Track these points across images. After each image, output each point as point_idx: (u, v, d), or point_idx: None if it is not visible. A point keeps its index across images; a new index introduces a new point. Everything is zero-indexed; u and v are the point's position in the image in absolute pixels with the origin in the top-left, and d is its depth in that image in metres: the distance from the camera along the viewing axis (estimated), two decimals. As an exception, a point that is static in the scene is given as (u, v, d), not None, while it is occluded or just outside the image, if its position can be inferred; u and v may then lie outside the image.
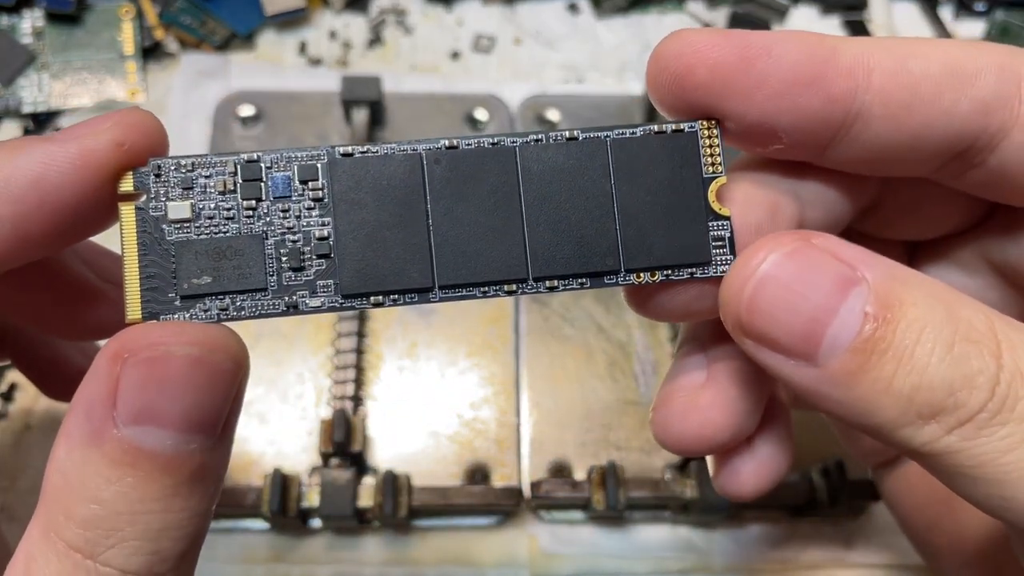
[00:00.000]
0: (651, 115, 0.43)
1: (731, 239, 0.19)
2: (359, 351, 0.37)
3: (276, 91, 0.44)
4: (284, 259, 0.18)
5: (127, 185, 0.18)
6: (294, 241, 0.18)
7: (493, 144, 0.18)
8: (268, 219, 0.18)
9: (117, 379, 0.16)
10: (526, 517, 0.36)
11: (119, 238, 0.18)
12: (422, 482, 0.35)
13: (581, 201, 0.19)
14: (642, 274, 0.19)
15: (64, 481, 0.16)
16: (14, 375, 0.37)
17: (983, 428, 0.16)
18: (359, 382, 0.37)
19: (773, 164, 0.20)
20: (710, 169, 0.19)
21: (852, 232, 0.22)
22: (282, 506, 0.32)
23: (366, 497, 0.33)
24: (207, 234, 0.18)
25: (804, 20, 0.49)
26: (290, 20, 0.46)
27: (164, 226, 0.18)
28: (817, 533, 0.36)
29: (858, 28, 0.48)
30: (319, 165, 0.18)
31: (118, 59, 0.44)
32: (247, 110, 0.43)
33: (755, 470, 0.22)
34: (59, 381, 0.28)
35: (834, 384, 0.17)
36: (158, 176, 0.18)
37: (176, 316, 0.18)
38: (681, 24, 0.48)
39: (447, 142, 0.18)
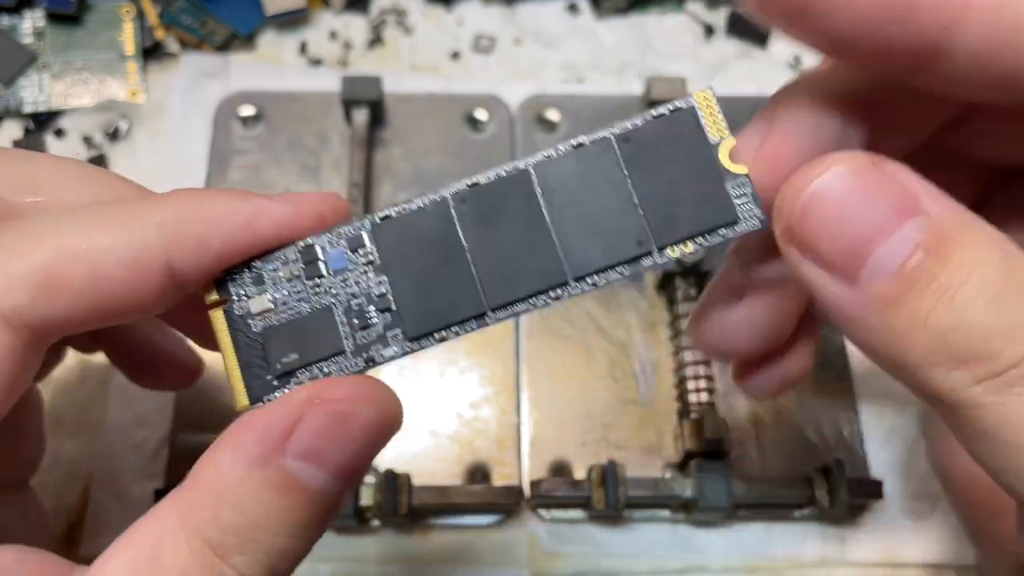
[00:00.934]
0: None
1: (753, 194, 0.20)
2: (359, 351, 0.37)
3: (276, 91, 0.44)
4: (354, 321, 0.20)
5: (212, 295, 0.20)
6: (359, 304, 0.20)
7: (508, 172, 0.20)
8: (333, 291, 0.20)
9: (299, 417, 0.18)
10: (526, 516, 0.36)
11: (216, 340, 0.20)
12: (422, 481, 0.35)
13: (601, 198, 0.20)
14: (675, 247, 0.19)
15: (220, 485, 0.18)
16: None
17: (1014, 386, 0.15)
18: (359, 381, 0.37)
19: (841, 81, 0.20)
20: (715, 135, 0.20)
21: (927, 151, 0.21)
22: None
23: (366, 496, 0.33)
24: (287, 318, 0.20)
25: (803, 20, 0.49)
26: (290, 20, 0.46)
27: (249, 321, 0.20)
28: (817, 533, 0.36)
29: (857, 28, 0.48)
30: (364, 234, 0.20)
31: (119, 59, 0.44)
32: (247, 110, 0.43)
33: (773, 376, 0.23)
34: (149, 368, 0.30)
35: (869, 308, 0.16)
36: (234, 280, 0.20)
37: (276, 394, 0.20)
38: (680, 25, 0.48)
39: (468, 181, 0.20)
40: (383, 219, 0.20)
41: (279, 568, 0.18)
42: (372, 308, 0.20)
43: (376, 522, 0.35)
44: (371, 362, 0.20)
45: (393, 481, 0.34)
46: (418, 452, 0.36)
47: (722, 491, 0.34)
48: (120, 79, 0.44)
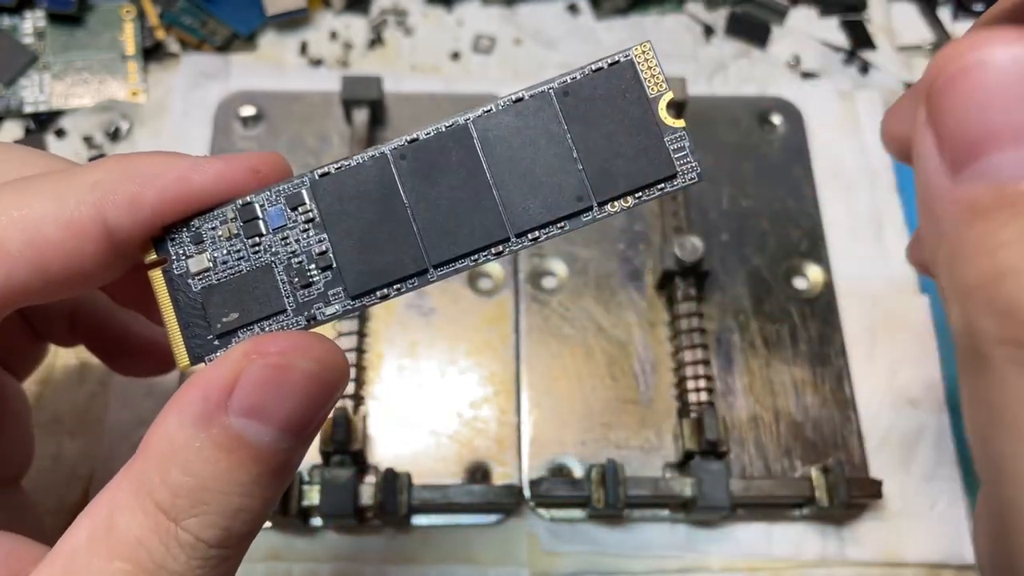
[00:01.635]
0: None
1: (691, 146, 0.20)
2: (359, 350, 0.37)
3: (277, 91, 0.44)
4: (295, 280, 0.20)
5: (151, 255, 0.20)
6: (299, 262, 0.20)
7: (448, 127, 0.20)
8: (273, 249, 0.20)
9: (239, 374, 0.18)
10: (526, 515, 0.36)
11: (156, 300, 0.20)
12: (422, 481, 0.35)
13: (541, 153, 0.20)
14: (615, 203, 0.20)
15: (168, 448, 0.18)
16: (16, 374, 0.37)
17: None
18: (359, 381, 0.37)
19: None
20: (653, 89, 0.20)
21: None
22: (283, 504, 0.33)
23: (366, 496, 0.34)
24: (226, 276, 0.20)
25: (803, 21, 0.49)
26: (291, 21, 0.46)
27: (188, 280, 0.20)
28: (816, 532, 0.36)
29: (857, 29, 0.48)
30: (303, 191, 0.20)
31: (119, 59, 0.44)
32: (248, 110, 0.43)
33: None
34: (127, 356, 0.30)
35: (952, 210, 0.15)
36: (172, 240, 0.20)
37: (217, 354, 0.20)
38: (680, 25, 0.48)
39: (407, 136, 0.20)
40: (322, 176, 0.20)
41: (234, 528, 0.18)
42: (313, 266, 0.20)
43: (376, 522, 0.35)
44: (313, 320, 0.20)
45: (393, 481, 0.34)
46: (418, 451, 0.36)
47: (722, 491, 0.34)
48: (121, 79, 0.44)
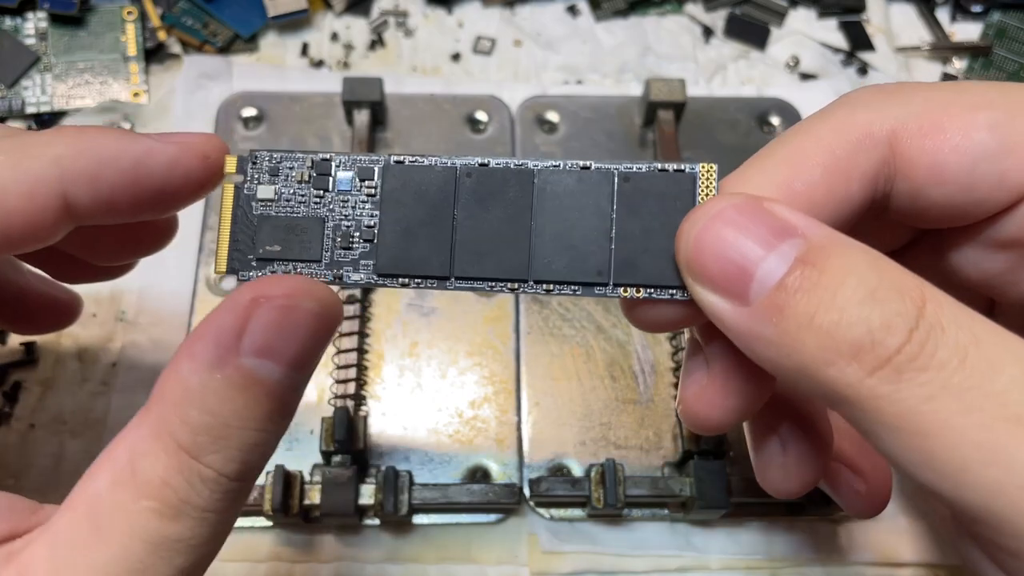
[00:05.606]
0: (650, 117, 0.43)
1: None
2: (360, 350, 0.37)
3: (278, 92, 0.44)
4: (338, 239, 0.22)
5: (231, 167, 0.22)
6: (348, 226, 0.22)
7: (518, 165, 0.22)
8: (331, 207, 0.22)
9: (248, 317, 0.19)
10: (526, 515, 0.36)
11: (219, 208, 0.22)
12: (422, 480, 0.35)
13: (584, 221, 0.21)
14: (628, 289, 0.21)
15: (185, 392, 0.19)
16: (17, 374, 0.37)
17: (902, 372, 0.16)
18: (360, 381, 0.37)
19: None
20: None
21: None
22: (284, 504, 0.33)
23: (367, 495, 0.34)
24: (284, 213, 0.22)
25: (801, 23, 0.49)
26: (292, 22, 0.47)
27: (253, 203, 0.22)
28: (815, 531, 0.36)
29: (855, 30, 0.49)
30: (376, 168, 0.22)
31: (121, 60, 0.44)
32: (249, 111, 0.43)
33: (782, 474, 0.24)
34: (26, 315, 0.31)
35: (761, 321, 0.18)
36: (254, 163, 0.22)
37: (251, 274, 0.22)
38: (679, 26, 0.48)
39: (480, 160, 0.22)
40: (396, 162, 0.22)
41: (250, 462, 0.20)
42: (358, 234, 0.22)
43: (377, 522, 0.35)
44: (339, 279, 0.22)
45: (394, 480, 0.34)
46: (418, 451, 0.36)
47: (721, 490, 0.34)
48: (123, 80, 0.44)
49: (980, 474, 0.16)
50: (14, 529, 0.19)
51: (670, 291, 0.21)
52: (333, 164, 0.22)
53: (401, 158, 0.22)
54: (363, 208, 0.22)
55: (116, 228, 0.27)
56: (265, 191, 0.22)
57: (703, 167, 0.21)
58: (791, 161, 0.21)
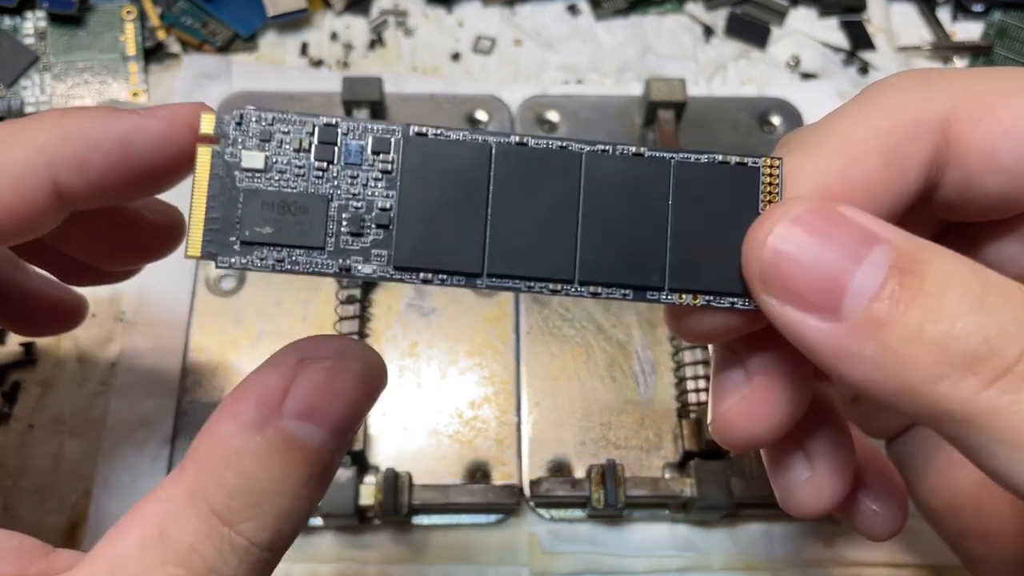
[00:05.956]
0: (650, 117, 0.43)
1: None
2: (360, 350, 0.37)
3: (278, 92, 0.44)
4: (345, 223, 0.18)
5: (208, 127, 0.18)
6: (357, 207, 0.18)
7: (562, 147, 0.19)
8: (336, 183, 0.18)
9: (293, 379, 0.18)
10: (526, 515, 0.36)
11: (192, 178, 0.18)
12: (423, 480, 0.35)
13: (637, 215, 0.19)
14: (684, 295, 0.19)
15: (223, 454, 0.18)
16: (16, 374, 0.37)
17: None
18: (360, 381, 0.37)
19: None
20: (767, 203, 0.19)
21: None
22: (284, 504, 0.33)
23: (367, 495, 0.34)
24: (276, 187, 0.18)
25: (802, 22, 0.49)
26: (291, 21, 0.46)
27: (236, 172, 0.18)
28: (815, 531, 0.36)
29: (856, 30, 0.48)
30: (393, 140, 0.18)
31: (120, 60, 0.44)
32: (249, 111, 0.43)
33: (812, 492, 0.22)
34: (30, 317, 0.30)
35: (860, 338, 0.16)
36: (239, 124, 0.18)
37: (234, 260, 0.18)
38: (679, 26, 0.48)
39: (517, 138, 0.19)
40: (418, 134, 0.18)
41: (284, 530, 0.19)
42: (369, 218, 0.18)
43: (376, 522, 0.35)
44: (345, 271, 0.18)
45: (393, 481, 0.34)
46: (418, 451, 0.36)
47: (721, 491, 0.34)
48: (122, 80, 0.44)
49: None
50: (25, 571, 0.19)
51: (731, 299, 0.19)
52: (339, 131, 0.18)
53: (424, 129, 0.18)
54: (376, 187, 0.18)
55: (123, 235, 0.27)
56: (252, 158, 0.18)
57: (766, 161, 0.19)
58: (845, 148, 0.19)
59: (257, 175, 0.18)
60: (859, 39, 0.48)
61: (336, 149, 0.18)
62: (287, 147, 0.18)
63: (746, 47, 0.48)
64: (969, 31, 0.49)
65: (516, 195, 0.18)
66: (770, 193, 0.19)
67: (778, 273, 0.17)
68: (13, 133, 0.20)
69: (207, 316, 0.38)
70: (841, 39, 0.48)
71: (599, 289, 0.19)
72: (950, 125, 0.19)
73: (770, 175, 0.19)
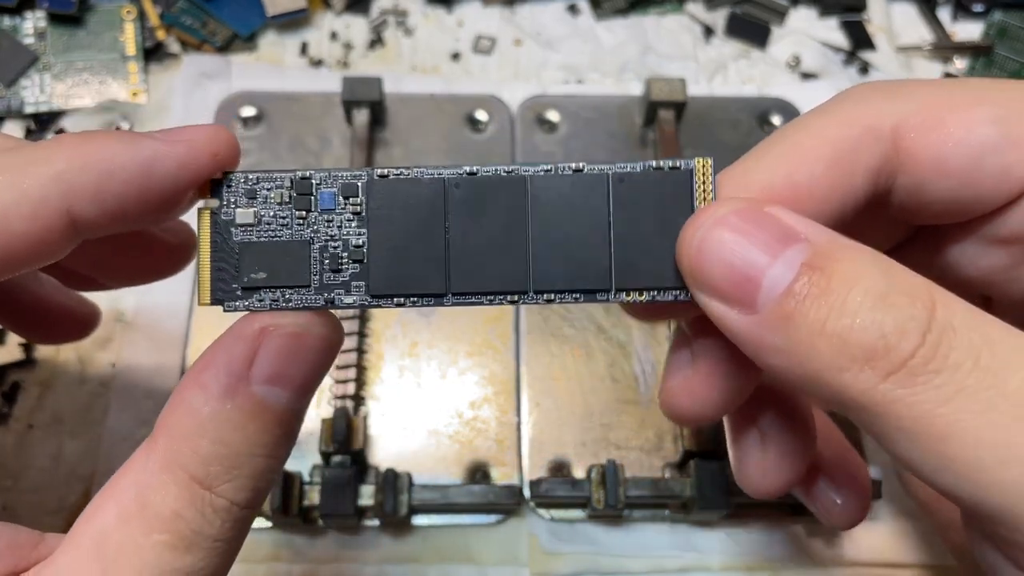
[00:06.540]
0: (650, 117, 0.43)
1: None
2: (360, 351, 0.37)
3: (277, 92, 0.44)
4: (326, 261, 0.21)
5: (206, 196, 0.21)
6: (335, 247, 0.21)
7: (508, 172, 0.21)
8: (315, 227, 0.21)
9: (257, 347, 0.19)
10: (526, 515, 0.36)
11: (197, 237, 0.21)
12: (422, 481, 0.35)
13: (582, 226, 0.21)
14: (630, 293, 0.21)
15: (196, 423, 0.19)
16: (15, 375, 0.37)
17: (917, 375, 0.16)
18: (360, 382, 0.37)
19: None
20: (701, 203, 0.21)
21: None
22: (283, 505, 0.33)
23: (367, 496, 0.34)
24: (265, 237, 0.21)
25: (803, 22, 0.49)
26: (291, 21, 0.46)
27: (232, 228, 0.21)
28: (816, 532, 0.36)
29: (857, 30, 0.48)
30: (359, 184, 0.21)
31: (120, 60, 0.44)
32: (248, 111, 0.43)
33: (761, 472, 0.24)
34: (44, 325, 0.30)
35: (771, 328, 0.18)
36: (229, 187, 0.21)
37: (238, 304, 0.21)
38: (680, 25, 0.48)
39: (468, 168, 0.21)
40: (380, 176, 0.21)
41: (260, 488, 0.20)
42: (346, 255, 0.21)
43: (376, 522, 0.35)
44: (331, 303, 0.21)
45: (393, 481, 0.34)
46: (418, 451, 0.36)
47: (721, 491, 0.34)
48: (121, 80, 0.44)
49: (998, 474, 0.16)
50: (16, 565, 0.19)
51: (673, 292, 0.21)
52: (313, 182, 0.21)
53: (385, 172, 0.21)
54: (349, 227, 0.21)
55: (133, 256, 0.27)
56: (244, 215, 0.21)
57: (698, 161, 0.21)
58: (793, 154, 0.21)
59: (249, 229, 0.21)
60: (859, 39, 0.48)
61: (312, 198, 0.21)
62: (272, 201, 0.21)
63: (746, 47, 0.48)
64: (969, 31, 0.49)
65: (471, 220, 0.21)
66: (703, 191, 0.21)
67: (703, 269, 0.19)
68: (30, 161, 0.20)
69: (207, 316, 0.38)
70: (841, 39, 0.48)
71: (552, 296, 0.21)
72: (900, 133, 0.20)
73: (702, 174, 0.21)
